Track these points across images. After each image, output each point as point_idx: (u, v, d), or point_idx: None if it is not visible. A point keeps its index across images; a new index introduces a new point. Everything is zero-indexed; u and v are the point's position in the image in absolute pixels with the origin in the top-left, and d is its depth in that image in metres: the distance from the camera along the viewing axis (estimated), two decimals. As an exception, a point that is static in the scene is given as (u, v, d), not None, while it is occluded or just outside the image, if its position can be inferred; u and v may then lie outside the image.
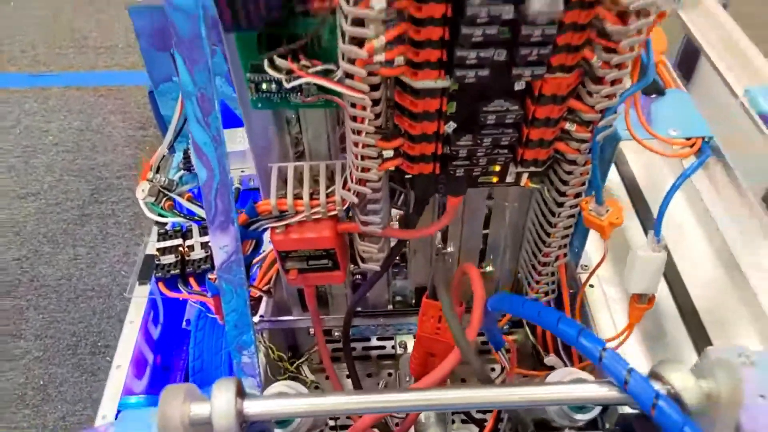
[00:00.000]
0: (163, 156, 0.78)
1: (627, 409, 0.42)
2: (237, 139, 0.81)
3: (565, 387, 0.36)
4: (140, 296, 0.64)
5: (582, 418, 0.46)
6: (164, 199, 0.75)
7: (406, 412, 0.52)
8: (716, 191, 0.53)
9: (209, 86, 0.40)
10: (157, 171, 0.77)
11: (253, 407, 0.34)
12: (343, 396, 0.43)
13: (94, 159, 1.10)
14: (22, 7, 1.48)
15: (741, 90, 0.59)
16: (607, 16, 0.36)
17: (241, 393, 0.34)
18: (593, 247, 0.61)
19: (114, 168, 1.08)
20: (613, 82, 0.41)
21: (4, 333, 0.85)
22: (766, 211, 0.53)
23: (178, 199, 0.74)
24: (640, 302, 0.52)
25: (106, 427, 0.35)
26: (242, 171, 0.80)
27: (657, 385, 0.32)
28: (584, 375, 0.44)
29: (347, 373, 0.66)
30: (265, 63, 0.40)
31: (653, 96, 0.56)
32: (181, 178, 0.79)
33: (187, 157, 0.79)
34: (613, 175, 0.76)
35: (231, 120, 0.75)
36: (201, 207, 0.74)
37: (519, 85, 0.40)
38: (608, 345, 0.36)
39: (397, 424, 0.62)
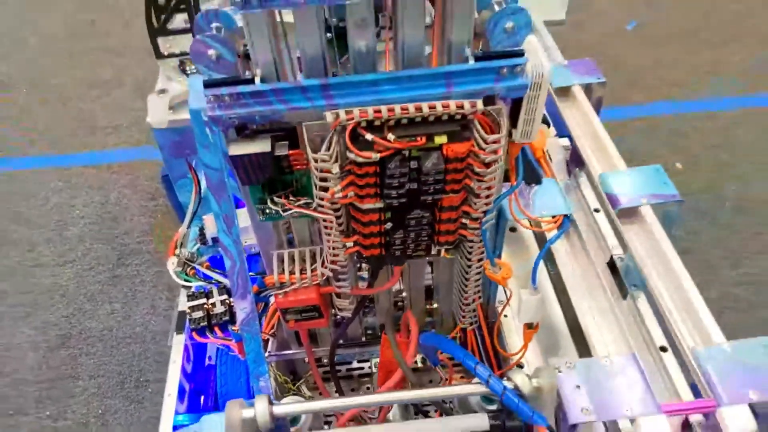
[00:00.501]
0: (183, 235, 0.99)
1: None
2: (241, 217, 1.00)
3: (459, 387, 0.57)
4: (178, 343, 0.84)
5: (489, 407, 0.67)
6: (188, 268, 0.95)
7: (374, 406, 0.74)
8: (573, 254, 0.74)
9: (230, 210, 0.61)
10: (182, 246, 0.97)
11: (279, 409, 0.54)
12: (334, 400, 0.63)
13: (116, 228, 1.29)
14: (33, 93, 1.66)
15: (597, 175, 0.80)
16: (474, 164, 0.57)
17: (270, 402, 0.54)
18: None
19: (134, 235, 1.27)
20: (487, 196, 0.62)
21: (65, 376, 1.04)
22: (605, 271, 0.75)
23: (199, 267, 0.94)
24: (529, 328, 0.73)
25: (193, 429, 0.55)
26: (245, 242, 1.00)
27: (508, 384, 0.54)
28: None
29: (335, 389, 0.87)
30: (268, 201, 0.61)
31: (533, 186, 0.77)
32: (198, 249, 0.99)
33: (202, 233, 0.99)
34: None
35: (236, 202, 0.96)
36: (217, 272, 0.94)
37: (430, 200, 0.61)
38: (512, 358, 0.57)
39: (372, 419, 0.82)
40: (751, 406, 0.55)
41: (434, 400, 0.68)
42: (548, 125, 0.98)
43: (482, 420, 0.54)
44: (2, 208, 1.32)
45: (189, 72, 0.93)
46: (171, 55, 0.92)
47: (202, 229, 0.96)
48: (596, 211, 0.86)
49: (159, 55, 0.92)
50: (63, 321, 1.10)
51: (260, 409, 0.51)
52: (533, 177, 0.76)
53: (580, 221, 0.85)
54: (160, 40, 0.93)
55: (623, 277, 0.78)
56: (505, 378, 0.52)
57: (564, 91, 0.86)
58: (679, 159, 1.26)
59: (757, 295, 1.05)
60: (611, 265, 0.83)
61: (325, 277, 0.67)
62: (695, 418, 0.68)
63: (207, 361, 1.01)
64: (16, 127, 1.51)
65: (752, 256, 1.11)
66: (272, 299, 0.73)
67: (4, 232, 1.27)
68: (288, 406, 0.52)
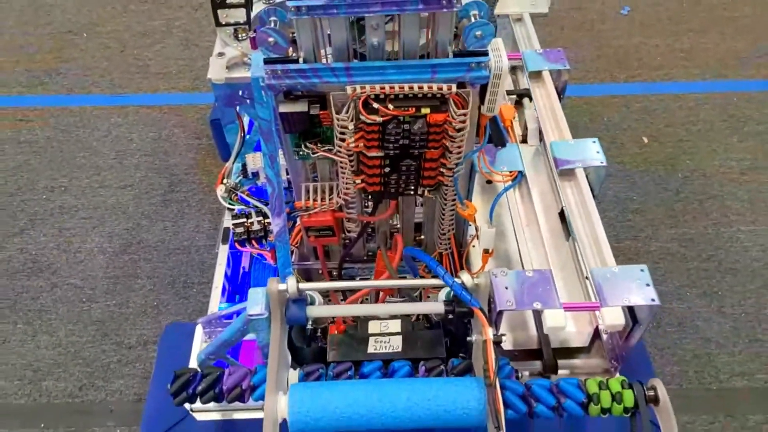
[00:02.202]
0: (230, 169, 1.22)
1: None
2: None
3: (423, 281, 0.81)
4: (223, 252, 1.08)
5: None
6: (232, 194, 1.19)
7: (368, 288, 0.96)
8: (521, 204, 0.96)
9: (275, 151, 0.84)
10: (228, 177, 1.21)
11: (302, 285, 0.78)
12: (339, 283, 0.87)
13: (167, 161, 1.52)
14: (92, 38, 1.88)
15: (549, 143, 1.02)
16: (448, 129, 0.79)
17: (297, 281, 0.79)
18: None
19: (182, 167, 1.50)
20: (458, 153, 0.84)
21: (127, 275, 1.29)
22: (557, 219, 0.97)
23: (241, 194, 1.18)
24: (486, 253, 0.96)
25: (242, 305, 0.80)
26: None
27: (458, 280, 0.77)
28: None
29: (341, 298, 1.11)
30: (302, 146, 0.84)
31: (499, 147, 0.99)
32: (240, 181, 1.22)
33: (244, 168, 1.22)
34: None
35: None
36: (255, 199, 1.18)
37: (417, 153, 0.83)
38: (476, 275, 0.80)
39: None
40: (625, 308, 0.78)
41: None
42: (530, 99, 1.19)
43: (438, 306, 0.78)
44: (71, 138, 1.56)
45: (241, 38, 1.14)
46: (227, 24, 1.13)
47: (244, 165, 1.20)
48: (555, 173, 1.09)
49: (218, 24, 1.12)
50: (125, 233, 1.35)
51: (291, 283, 0.75)
52: (499, 140, 0.98)
53: (542, 178, 1.07)
54: (219, 12, 1.14)
55: (568, 224, 1.01)
56: (455, 277, 0.76)
57: (536, 75, 1.07)
58: (646, 134, 1.47)
59: (689, 251, 1.27)
60: (561, 214, 1.06)
61: (338, 205, 0.91)
62: (602, 328, 0.92)
63: (242, 270, 1.27)
64: (81, 69, 1.74)
65: (691, 220, 1.33)
66: (299, 220, 0.97)
67: (75, 158, 1.51)
68: (308, 284, 0.77)
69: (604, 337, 0.90)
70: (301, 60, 0.73)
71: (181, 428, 0.91)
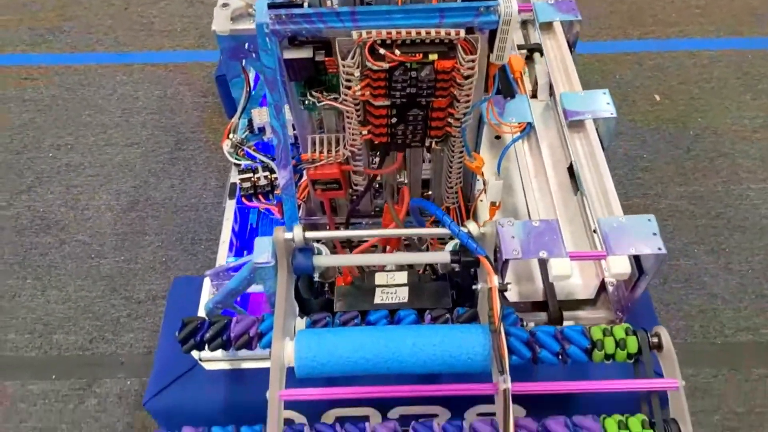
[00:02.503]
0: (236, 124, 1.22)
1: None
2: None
3: (430, 230, 0.81)
4: (230, 207, 1.09)
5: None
6: (239, 150, 1.18)
7: (376, 237, 0.97)
8: (529, 156, 0.96)
9: (280, 100, 0.83)
10: (234, 132, 1.20)
11: (308, 234, 0.78)
12: (345, 232, 0.87)
13: (173, 119, 1.52)
14: None
15: (559, 94, 1.01)
16: (456, 76, 0.78)
17: (303, 230, 0.79)
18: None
19: (189, 126, 1.50)
20: (466, 102, 0.83)
21: (135, 232, 1.30)
22: (565, 173, 0.97)
23: (248, 149, 1.18)
24: (493, 206, 0.96)
25: (249, 257, 0.80)
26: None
27: (464, 229, 0.77)
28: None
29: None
30: (308, 94, 0.84)
31: (508, 98, 0.98)
32: (246, 136, 1.22)
33: (250, 123, 1.22)
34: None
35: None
36: (262, 154, 1.18)
37: (424, 102, 0.82)
38: (483, 225, 0.80)
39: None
40: (631, 258, 0.78)
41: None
42: (541, 54, 1.18)
43: (444, 256, 0.79)
44: (77, 97, 1.56)
45: (246, -10, 1.13)
46: (231, -25, 1.12)
47: (250, 120, 1.19)
48: (564, 126, 1.08)
49: (222, -26, 1.11)
50: (132, 190, 1.36)
51: (297, 232, 0.76)
52: (508, 91, 0.97)
53: (551, 132, 1.06)
54: (223, -39, 1.12)
55: (576, 176, 1.01)
56: (462, 226, 0.76)
57: (547, 26, 1.05)
58: (659, 91, 1.45)
59: (698, 208, 1.27)
60: (570, 168, 1.06)
61: (345, 157, 0.90)
62: (608, 279, 0.93)
63: (249, 227, 1.28)
64: (84, 27, 1.73)
65: (701, 178, 1.32)
66: (305, 174, 0.97)
67: (80, 116, 1.51)
68: (314, 233, 0.77)
69: (610, 289, 0.91)
70: (305, 4, 0.72)
71: (190, 377, 0.93)
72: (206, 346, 0.81)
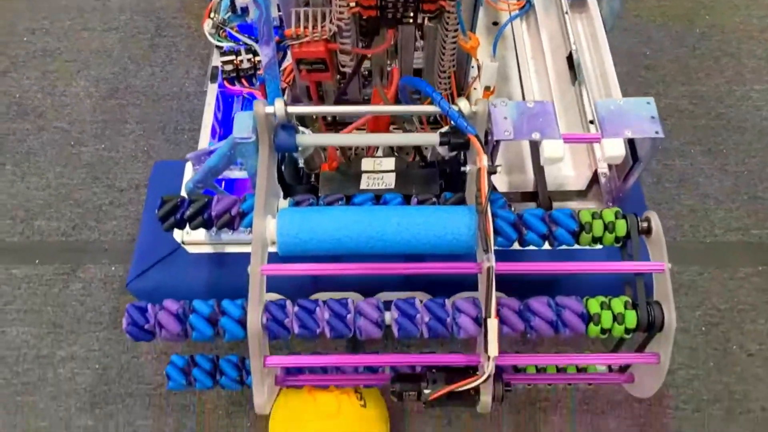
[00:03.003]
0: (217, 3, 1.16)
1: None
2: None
3: (419, 107, 0.78)
4: (212, 91, 1.04)
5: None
6: (221, 30, 1.13)
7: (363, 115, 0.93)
8: (527, 36, 0.91)
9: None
10: (215, 12, 1.15)
11: (291, 109, 0.73)
12: (335, 107, 0.85)
13: (153, 3, 1.42)
14: None
15: None
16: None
17: (285, 104, 0.76)
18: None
19: (170, 11, 1.41)
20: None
21: (116, 120, 1.26)
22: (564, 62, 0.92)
23: (230, 30, 1.12)
24: (487, 90, 0.92)
25: (230, 136, 0.77)
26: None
27: (455, 107, 0.75)
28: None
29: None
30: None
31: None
32: (229, 17, 1.16)
33: (232, 3, 1.15)
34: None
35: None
36: (245, 36, 1.13)
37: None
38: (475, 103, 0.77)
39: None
40: (626, 141, 0.76)
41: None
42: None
43: (434, 137, 0.76)
44: None
45: None
46: None
47: (233, 1, 1.13)
48: (566, 13, 1.03)
49: None
50: (111, 77, 1.31)
51: (278, 106, 0.72)
52: (507, -33, 0.92)
53: (552, 18, 1.01)
54: None
55: (575, 63, 0.97)
56: (453, 104, 0.73)
57: None
58: (666, -13, 1.39)
59: (698, 108, 1.24)
60: (569, 58, 1.01)
61: (331, 33, 0.86)
62: (601, 170, 0.91)
63: (233, 116, 1.24)
64: None
65: (704, 77, 1.28)
66: (289, 53, 0.92)
67: (55, -1, 1.44)
68: (297, 107, 0.75)
69: (603, 180, 0.89)
70: None
71: (173, 260, 0.92)
72: (187, 225, 0.80)
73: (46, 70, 1.32)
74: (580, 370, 0.79)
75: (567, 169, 0.92)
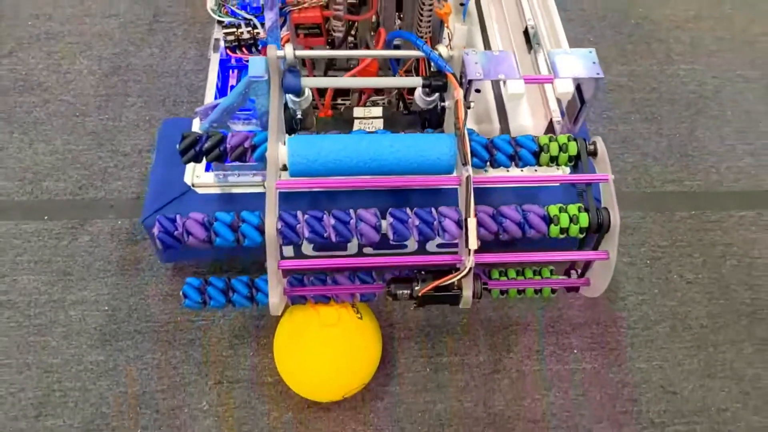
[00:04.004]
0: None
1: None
2: None
3: (412, 52, 0.91)
4: (214, 60, 1.15)
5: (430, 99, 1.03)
6: (221, 7, 1.25)
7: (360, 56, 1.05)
8: (491, 4, 1.06)
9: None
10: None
11: (299, 52, 0.87)
12: (335, 51, 0.97)
13: None
14: None
15: None
16: None
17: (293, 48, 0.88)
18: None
19: (165, 1, 1.55)
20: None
21: (118, 93, 1.35)
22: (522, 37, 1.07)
23: (230, 6, 1.24)
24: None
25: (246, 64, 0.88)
26: None
27: (435, 51, 0.88)
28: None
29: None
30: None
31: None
32: (229, -6, 1.28)
33: (233, -18, 1.27)
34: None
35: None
36: (245, 12, 1.24)
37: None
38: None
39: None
40: (575, 81, 0.91)
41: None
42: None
43: (417, 80, 0.89)
44: None
45: None
46: None
47: (233, -19, 1.25)
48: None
49: None
50: (113, 57, 1.40)
51: (288, 50, 0.85)
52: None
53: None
54: None
55: (531, 38, 1.13)
56: (433, 49, 0.87)
57: None
58: (606, -16, 1.59)
59: (636, 84, 1.41)
60: (525, 32, 1.17)
61: (326, 1, 0.99)
62: (555, 118, 1.06)
63: (231, 88, 1.35)
64: None
65: (639, 59, 1.46)
66: (288, 19, 1.05)
67: (55, -12, 1.54)
68: (303, 51, 0.87)
69: (557, 127, 1.04)
70: None
71: (184, 199, 1.02)
72: (204, 158, 0.91)
73: (51, 51, 1.41)
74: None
75: (527, 119, 1.06)
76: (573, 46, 1.44)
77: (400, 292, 0.85)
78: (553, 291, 0.92)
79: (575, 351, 1.06)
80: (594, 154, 0.87)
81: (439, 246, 1.06)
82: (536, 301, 1.10)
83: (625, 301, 1.12)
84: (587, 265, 0.89)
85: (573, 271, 0.94)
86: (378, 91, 1.14)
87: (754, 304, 1.12)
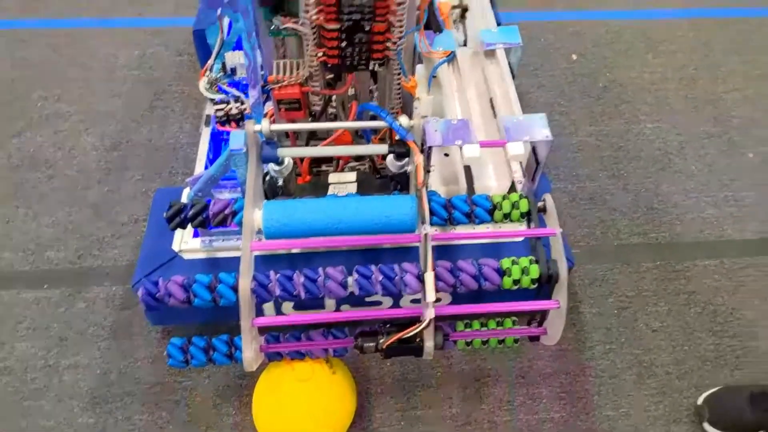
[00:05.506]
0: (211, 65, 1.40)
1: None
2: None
3: (371, 122, 1.00)
4: (206, 133, 1.26)
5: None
6: (213, 86, 1.36)
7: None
8: (452, 77, 1.16)
9: (250, 27, 1.02)
10: (209, 71, 1.38)
11: (274, 127, 0.96)
12: (309, 124, 1.07)
13: (152, 74, 1.65)
14: None
15: (476, 30, 1.22)
16: (390, 4, 0.98)
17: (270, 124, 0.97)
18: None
19: (166, 80, 1.64)
20: (400, 28, 1.03)
21: (119, 168, 1.43)
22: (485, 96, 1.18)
23: (221, 85, 1.35)
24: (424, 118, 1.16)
25: (229, 137, 0.98)
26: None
27: (396, 122, 0.97)
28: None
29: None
30: (273, 18, 1.02)
31: (437, 32, 1.19)
32: (220, 76, 1.39)
33: (223, 65, 1.40)
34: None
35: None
36: (234, 90, 1.36)
37: (367, 27, 1.02)
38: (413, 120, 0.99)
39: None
40: (527, 144, 0.99)
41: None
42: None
43: (383, 147, 0.98)
44: (63, 56, 1.69)
45: (218, -50, 1.31)
46: (206, -61, 1.31)
47: (224, 63, 1.37)
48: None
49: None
50: (115, 134, 1.51)
51: (264, 124, 0.94)
52: (437, 26, 1.19)
53: (476, 71, 1.28)
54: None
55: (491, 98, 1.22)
56: (396, 120, 0.96)
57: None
58: (576, 52, 1.69)
59: (603, 143, 1.49)
60: (491, 100, 1.27)
61: (304, 78, 1.09)
62: (516, 178, 1.14)
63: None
64: (69, -4, 1.89)
65: (607, 119, 1.55)
66: (271, 96, 1.15)
67: (66, 72, 1.65)
68: (278, 125, 0.96)
69: (518, 186, 1.12)
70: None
71: (171, 265, 1.09)
72: (189, 224, 0.99)
73: (58, 129, 1.53)
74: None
75: (491, 179, 1.14)
76: (544, 110, 1.55)
77: (367, 345, 0.91)
78: (515, 341, 0.97)
79: (545, 401, 1.09)
80: (544, 210, 0.94)
81: (412, 301, 1.12)
82: (507, 352, 1.14)
83: (593, 350, 1.16)
84: (544, 314, 0.94)
85: (535, 321, 0.99)
86: (357, 157, 1.23)
87: (718, 349, 1.16)
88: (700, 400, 1.07)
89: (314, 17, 0.93)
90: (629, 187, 1.40)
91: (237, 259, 1.14)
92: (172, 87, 1.62)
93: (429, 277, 0.85)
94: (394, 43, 0.98)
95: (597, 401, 1.09)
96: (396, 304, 1.12)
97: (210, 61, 1.31)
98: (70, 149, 1.50)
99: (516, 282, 0.88)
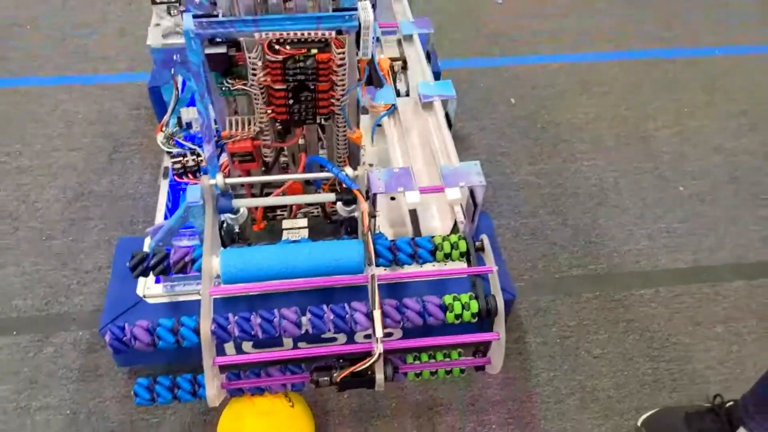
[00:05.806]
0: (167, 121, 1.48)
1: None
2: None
3: (320, 173, 1.09)
4: (164, 186, 1.33)
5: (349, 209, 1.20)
6: (170, 140, 1.44)
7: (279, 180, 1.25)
8: (394, 128, 1.27)
9: (202, 89, 1.11)
10: (166, 126, 1.46)
11: (229, 180, 1.04)
12: (259, 177, 1.16)
13: (110, 128, 1.70)
14: (35, 30, 2.05)
15: (415, 82, 1.33)
16: (332, 65, 1.08)
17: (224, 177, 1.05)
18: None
19: (124, 133, 1.70)
20: (342, 86, 1.13)
21: (81, 218, 1.49)
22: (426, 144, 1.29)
23: (178, 139, 1.43)
24: (371, 166, 1.26)
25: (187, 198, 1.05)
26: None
27: (343, 172, 1.07)
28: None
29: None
30: (224, 81, 1.12)
31: (378, 88, 1.30)
32: (176, 130, 1.47)
33: (179, 120, 1.48)
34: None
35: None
36: (190, 143, 1.43)
37: (312, 86, 1.12)
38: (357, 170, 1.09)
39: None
40: (464, 189, 1.09)
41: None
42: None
43: (331, 196, 1.07)
44: (23, 113, 1.75)
45: (173, 14, 1.40)
46: (162, 2, 1.40)
47: (179, 118, 1.45)
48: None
49: (154, 2, 1.39)
50: (77, 186, 1.57)
51: (219, 178, 1.02)
52: (378, 82, 1.29)
53: (417, 109, 1.38)
54: (155, -8, 1.41)
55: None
56: (342, 171, 1.05)
57: (408, 37, 1.38)
58: (514, 96, 1.82)
59: (543, 181, 1.61)
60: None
61: (255, 133, 1.18)
62: (459, 219, 1.24)
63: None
64: (27, 55, 1.94)
65: (546, 158, 1.67)
66: (225, 149, 1.23)
67: (25, 129, 1.71)
68: (231, 179, 1.05)
69: (461, 226, 1.21)
70: (220, 15, 1.00)
71: (136, 310, 1.16)
72: (151, 272, 1.05)
73: (21, 183, 1.58)
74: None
75: (436, 220, 1.23)
76: (486, 152, 1.66)
77: (322, 379, 0.98)
78: (462, 371, 1.05)
79: (494, 426, 1.17)
80: (482, 249, 1.04)
81: (366, 336, 1.20)
82: (458, 382, 1.22)
83: (538, 377, 1.25)
84: (487, 345, 1.03)
85: (479, 352, 1.08)
86: (309, 203, 1.32)
87: (655, 373, 1.26)
88: (639, 422, 1.16)
89: (262, 79, 1.02)
90: (568, 222, 1.52)
91: (198, 302, 1.22)
92: (131, 140, 1.69)
93: (377, 315, 0.93)
94: (338, 99, 1.07)
95: (544, 426, 1.17)
96: (351, 340, 1.19)
97: (166, 117, 1.39)
98: (33, 202, 1.55)
99: (458, 317, 0.96)
